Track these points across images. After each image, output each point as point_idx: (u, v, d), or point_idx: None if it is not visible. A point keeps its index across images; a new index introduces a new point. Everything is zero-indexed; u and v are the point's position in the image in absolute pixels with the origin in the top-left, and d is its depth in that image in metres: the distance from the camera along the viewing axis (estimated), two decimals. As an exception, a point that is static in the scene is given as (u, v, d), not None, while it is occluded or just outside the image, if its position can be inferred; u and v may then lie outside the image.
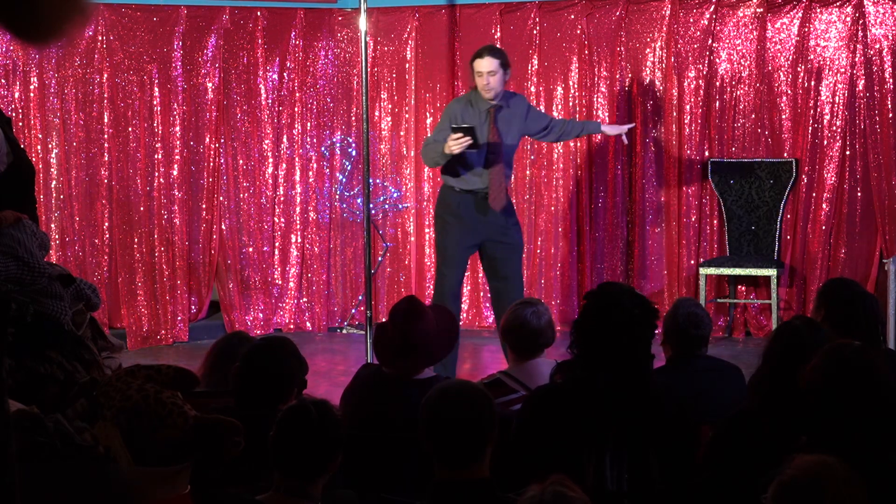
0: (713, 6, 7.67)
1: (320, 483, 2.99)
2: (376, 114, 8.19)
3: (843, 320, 4.00)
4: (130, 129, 7.79)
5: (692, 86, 7.75)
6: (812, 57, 7.53)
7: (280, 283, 8.21)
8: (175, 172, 7.88)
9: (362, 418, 3.94)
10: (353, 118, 8.21)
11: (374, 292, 7.50)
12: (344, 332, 8.25)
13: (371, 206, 7.28)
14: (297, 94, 8.16)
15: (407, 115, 8.20)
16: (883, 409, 2.89)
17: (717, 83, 7.71)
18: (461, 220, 6.22)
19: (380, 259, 8.21)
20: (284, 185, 8.19)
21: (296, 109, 8.18)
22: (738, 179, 7.65)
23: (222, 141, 8.00)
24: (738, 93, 7.68)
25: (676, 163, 7.82)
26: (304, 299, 8.27)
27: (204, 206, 7.99)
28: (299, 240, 8.24)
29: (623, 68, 7.84)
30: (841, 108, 7.48)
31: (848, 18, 7.44)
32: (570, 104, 7.92)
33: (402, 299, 4.20)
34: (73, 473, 2.94)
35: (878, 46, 7.40)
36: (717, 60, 7.70)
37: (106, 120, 7.72)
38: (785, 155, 7.63)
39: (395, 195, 8.27)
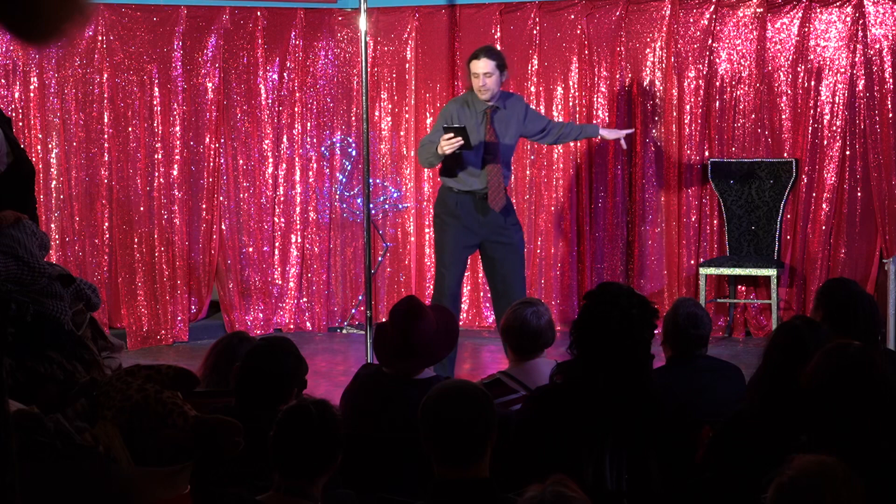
0: (713, 6, 7.67)
1: (320, 483, 2.99)
2: (376, 114, 8.19)
3: (841, 320, 4.00)
4: (130, 129, 7.79)
5: (692, 86, 7.75)
6: (812, 57, 7.53)
7: (280, 283, 8.21)
8: (175, 172, 7.88)
9: (362, 418, 3.94)
10: (353, 118, 8.21)
11: (374, 292, 7.50)
12: (344, 332, 8.25)
13: (371, 206, 7.27)
14: (297, 94, 8.16)
15: (407, 115, 8.20)
16: (883, 409, 2.89)
17: (717, 83, 7.71)
18: (459, 221, 6.22)
19: (380, 259, 8.21)
20: (284, 185, 8.19)
21: (296, 109, 8.18)
22: (738, 179, 7.65)
23: (222, 141, 8.00)
24: (738, 93, 7.68)
25: (676, 163, 7.82)
26: (304, 299, 8.27)
27: (204, 206, 7.99)
28: (299, 240, 8.24)
29: (623, 68, 7.84)
30: (841, 108, 7.48)
31: (848, 18, 7.44)
32: (570, 104, 7.92)
33: (402, 299, 4.20)
34: (73, 473, 2.94)
35: (878, 46, 7.40)
36: (717, 60, 7.70)
37: (106, 120, 7.72)
38: (785, 155, 7.63)
39: (395, 195, 8.27)
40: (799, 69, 7.55)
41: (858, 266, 7.54)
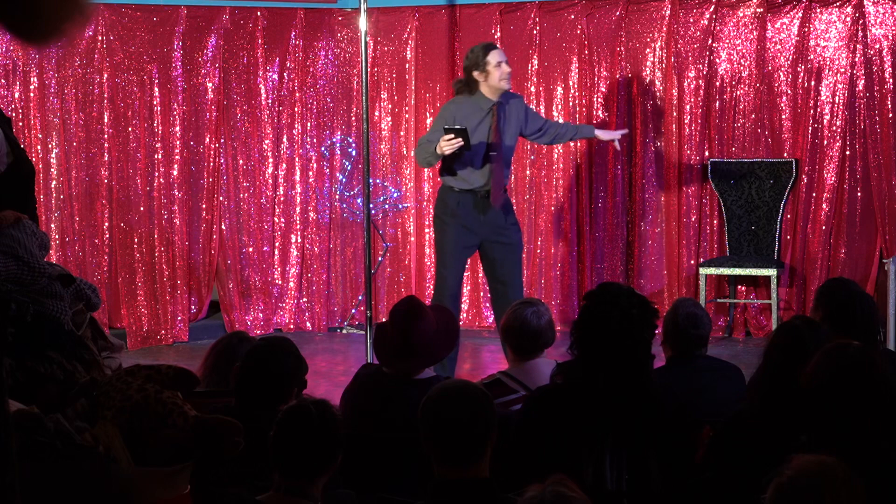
0: (713, 6, 7.67)
1: (320, 483, 2.99)
2: (376, 114, 8.19)
3: (840, 320, 4.00)
4: (130, 129, 7.79)
5: (692, 86, 7.75)
6: (812, 57, 7.53)
7: (280, 283, 8.21)
8: (175, 172, 7.88)
9: (362, 418, 3.94)
10: (353, 118, 8.22)
11: (374, 292, 7.50)
12: (344, 332, 8.25)
13: (371, 206, 7.27)
14: (297, 94, 8.16)
15: (407, 115, 8.20)
16: (883, 409, 2.89)
17: (717, 83, 7.71)
18: (459, 220, 6.21)
19: (380, 259, 8.21)
20: (284, 185, 8.19)
21: (296, 109, 8.18)
22: (738, 179, 7.65)
23: (222, 141, 8.00)
24: (738, 93, 7.68)
25: (676, 163, 7.82)
26: (304, 299, 8.27)
27: (204, 206, 7.99)
28: (299, 240, 8.24)
29: (623, 68, 7.84)
30: (841, 108, 7.48)
31: (848, 18, 7.44)
32: (570, 104, 7.92)
33: (402, 299, 4.20)
34: (73, 473, 2.94)
35: (878, 46, 7.40)
36: (717, 60, 7.70)
37: (106, 120, 7.72)
38: (785, 155, 7.64)
39: (395, 195, 8.27)
40: (799, 69, 7.55)
41: (858, 266, 7.54)
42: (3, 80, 7.52)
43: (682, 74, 7.75)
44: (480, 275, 7.98)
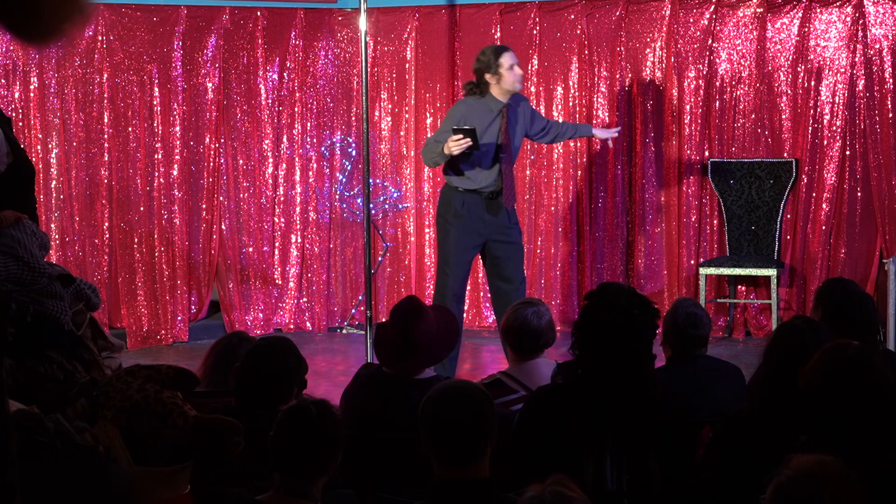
0: (713, 6, 7.67)
1: (320, 483, 2.99)
2: (376, 114, 8.19)
3: (840, 320, 4.00)
4: (130, 129, 7.79)
5: (692, 86, 7.75)
6: (812, 57, 7.53)
7: (280, 283, 8.21)
8: (175, 172, 7.88)
9: (362, 418, 3.94)
10: (353, 118, 8.21)
11: (374, 292, 7.50)
12: (344, 332, 8.25)
13: (371, 206, 7.28)
14: (297, 94, 8.16)
15: (407, 115, 8.20)
16: (882, 409, 2.89)
17: (717, 83, 7.71)
18: (463, 220, 6.20)
19: (380, 259, 8.21)
20: (284, 185, 8.19)
21: (296, 109, 8.18)
22: (738, 179, 7.65)
23: (222, 141, 8.00)
24: (738, 93, 7.68)
25: (676, 163, 7.82)
26: (304, 299, 8.27)
27: (204, 206, 7.99)
28: (299, 240, 8.24)
29: (623, 68, 7.84)
30: (841, 108, 7.48)
31: (848, 18, 7.44)
32: (570, 104, 7.92)
33: (402, 299, 4.20)
34: (73, 473, 2.94)
35: (878, 46, 7.40)
36: (717, 60, 7.70)
37: (106, 120, 7.72)
38: (785, 155, 7.63)
39: (395, 195, 8.27)
40: (799, 69, 7.55)
41: (858, 266, 7.54)
42: (3, 80, 7.52)
43: (682, 74, 7.75)
44: (480, 275, 7.98)
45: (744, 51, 7.64)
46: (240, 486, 3.22)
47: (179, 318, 7.91)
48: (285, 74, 8.12)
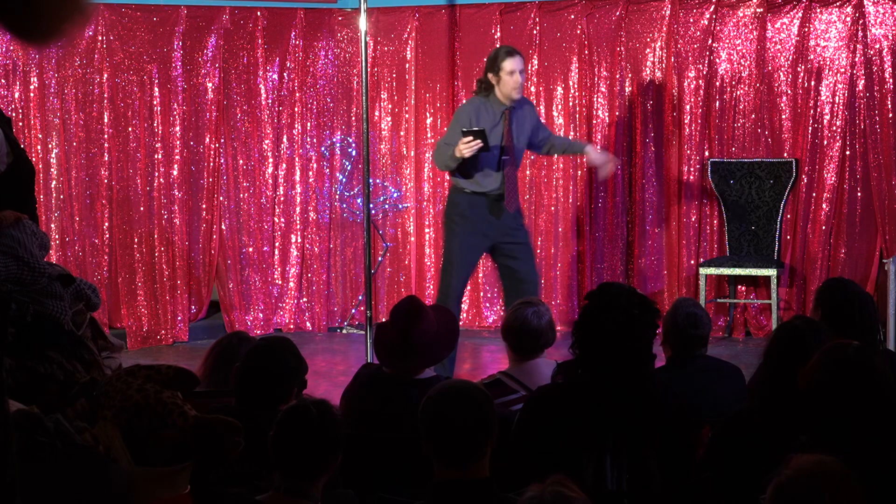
0: (713, 6, 7.67)
1: (320, 483, 2.99)
2: (376, 114, 8.19)
3: (840, 320, 4.00)
4: (130, 129, 7.79)
5: (692, 86, 7.75)
6: (812, 57, 7.53)
7: (280, 283, 8.21)
8: (175, 172, 7.88)
9: (362, 418, 3.94)
10: (353, 118, 8.21)
11: (374, 292, 7.50)
12: (344, 332, 8.25)
13: (371, 206, 7.28)
14: (297, 94, 8.16)
15: (407, 115, 8.20)
16: (882, 409, 2.89)
17: (717, 83, 7.71)
18: (469, 221, 6.19)
19: (380, 259, 8.21)
20: (284, 185, 8.19)
21: (296, 109, 8.18)
22: (738, 179, 7.65)
23: (222, 141, 8.00)
24: (738, 93, 7.67)
25: (676, 163, 7.82)
26: (304, 299, 8.27)
27: (204, 206, 7.99)
28: (299, 240, 8.24)
29: (623, 68, 7.84)
30: (841, 108, 7.48)
31: (848, 18, 7.44)
32: (570, 104, 7.92)
33: (402, 299, 4.20)
34: (73, 473, 2.94)
35: (878, 46, 7.40)
36: (717, 60, 7.70)
37: (106, 120, 7.72)
38: (785, 155, 7.63)
39: (395, 195, 8.27)
40: (799, 69, 7.55)
41: (858, 266, 7.54)
42: (3, 80, 7.52)
43: (682, 74, 7.75)
44: (481, 275, 7.99)
45: (744, 51, 7.64)
46: (240, 486, 3.22)
47: (179, 318, 7.91)
48: (285, 74, 8.12)
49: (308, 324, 8.26)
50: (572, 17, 7.90)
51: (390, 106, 8.23)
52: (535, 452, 3.24)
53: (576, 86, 7.91)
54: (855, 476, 2.43)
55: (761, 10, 7.58)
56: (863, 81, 7.43)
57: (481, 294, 8.06)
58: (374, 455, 3.75)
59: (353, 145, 8.24)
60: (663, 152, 7.83)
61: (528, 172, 8.01)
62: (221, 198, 8.03)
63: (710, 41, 7.69)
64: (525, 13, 7.98)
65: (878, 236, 7.50)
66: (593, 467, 3.20)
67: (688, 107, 7.77)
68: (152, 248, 7.85)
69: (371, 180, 7.35)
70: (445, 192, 8.13)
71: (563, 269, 8.00)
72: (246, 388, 3.57)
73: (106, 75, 7.68)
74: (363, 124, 6.93)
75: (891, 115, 7.38)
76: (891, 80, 7.37)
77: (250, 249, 8.13)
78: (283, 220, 8.20)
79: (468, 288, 8.06)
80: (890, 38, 7.37)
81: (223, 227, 8.06)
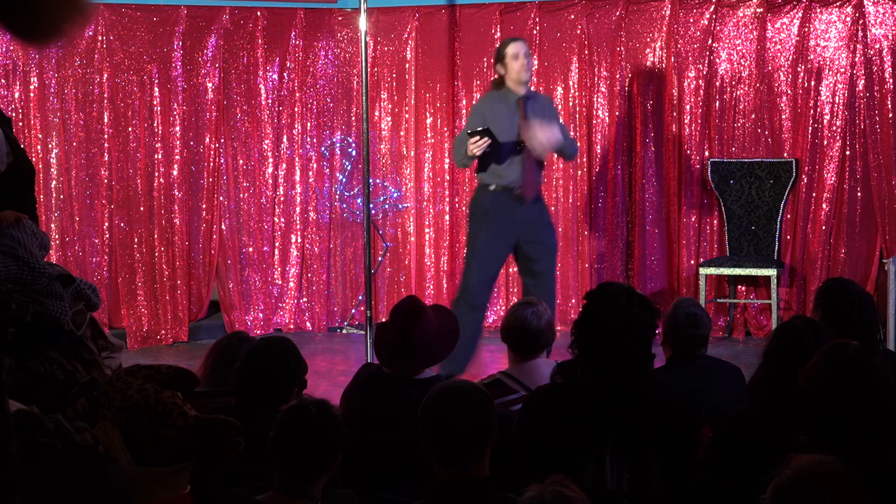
0: (713, 6, 7.67)
1: (320, 483, 2.99)
2: (376, 114, 8.19)
3: (840, 320, 4.00)
4: (130, 129, 7.79)
5: (692, 86, 7.75)
6: (812, 57, 7.52)
7: (280, 283, 8.21)
8: (175, 172, 7.88)
9: (362, 418, 3.94)
10: (353, 118, 8.21)
11: (374, 292, 7.50)
12: (344, 332, 8.25)
13: (371, 206, 7.28)
14: (297, 94, 8.16)
15: (407, 115, 8.20)
16: (882, 409, 2.89)
17: (717, 83, 7.71)
18: (493, 221, 6.23)
19: (380, 259, 8.21)
20: (284, 185, 8.19)
21: (296, 109, 8.18)
22: (738, 179, 7.65)
23: (222, 141, 8.00)
24: (738, 93, 7.67)
25: (676, 163, 7.82)
26: (304, 299, 8.27)
27: (204, 206, 7.99)
28: (299, 240, 8.24)
29: (623, 68, 7.84)
30: (841, 108, 7.48)
31: (848, 18, 7.44)
32: (570, 104, 7.92)
33: (402, 299, 4.20)
34: (73, 473, 2.94)
35: (878, 46, 7.40)
36: (717, 60, 7.70)
37: (106, 120, 7.72)
38: (785, 155, 7.63)
39: (395, 195, 8.27)
40: (799, 69, 7.55)
41: (858, 266, 7.54)
42: (3, 80, 7.52)
43: (682, 74, 7.75)
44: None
45: (744, 51, 7.64)
46: (240, 486, 3.22)
47: (179, 318, 7.91)
48: (285, 74, 8.12)
49: (308, 324, 8.26)
50: (572, 17, 7.90)
51: (390, 106, 8.23)
52: (535, 452, 3.24)
53: (576, 86, 7.91)
54: (855, 476, 2.43)
55: (761, 10, 7.58)
56: (863, 81, 7.43)
57: (481, 294, 8.05)
58: (374, 455, 3.75)
59: (353, 145, 8.24)
60: (663, 152, 7.83)
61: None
62: (221, 198, 8.03)
63: (710, 41, 7.69)
64: (525, 13, 7.98)
65: (878, 236, 7.50)
66: (593, 467, 3.20)
67: (688, 107, 7.77)
68: (152, 248, 7.85)
69: (371, 180, 7.35)
70: (445, 192, 8.18)
71: (563, 269, 7.99)
72: (246, 388, 3.57)
73: (106, 75, 7.68)
74: (363, 124, 6.93)
75: (891, 115, 7.38)
76: (891, 80, 7.37)
77: (250, 249, 8.13)
78: (283, 220, 8.20)
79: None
80: (890, 38, 7.37)
81: (223, 227, 8.06)
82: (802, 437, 2.90)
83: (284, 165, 8.18)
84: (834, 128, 7.51)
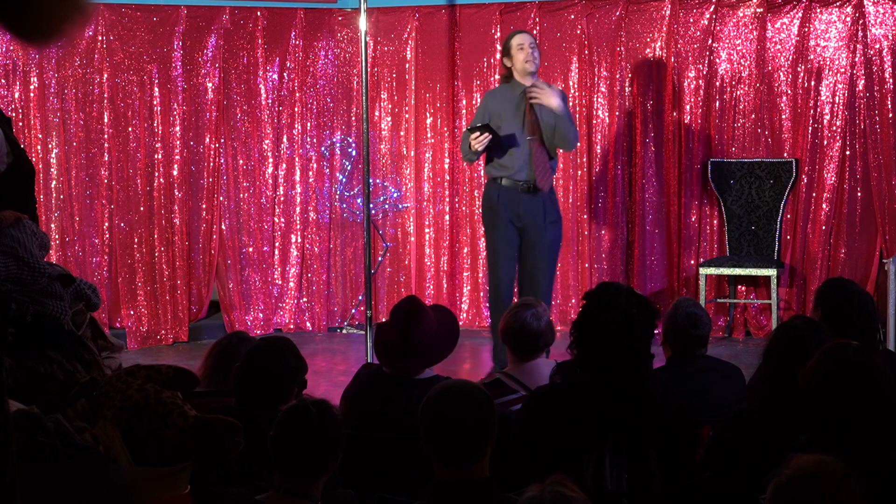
0: (713, 6, 7.67)
1: (320, 483, 2.99)
2: (376, 114, 8.19)
3: (840, 320, 4.00)
4: (130, 129, 7.79)
5: (692, 86, 7.75)
6: (812, 57, 7.52)
7: (280, 283, 8.21)
8: (175, 172, 7.88)
9: (362, 418, 3.94)
10: (353, 118, 8.21)
11: (374, 292, 7.50)
12: (344, 332, 8.25)
13: (371, 206, 7.28)
14: (297, 94, 8.16)
15: (407, 115, 8.20)
16: (882, 409, 2.89)
17: (717, 83, 7.71)
18: (498, 215, 6.34)
19: (380, 259, 8.21)
20: (284, 185, 8.18)
21: (296, 109, 8.18)
22: (738, 179, 7.65)
23: (222, 141, 8.00)
24: (738, 93, 7.68)
25: (676, 163, 7.82)
26: (304, 299, 8.27)
27: (204, 206, 7.99)
28: (299, 240, 8.24)
29: (623, 68, 7.84)
30: (841, 108, 7.48)
31: (848, 18, 7.44)
32: (570, 104, 7.90)
33: (402, 299, 4.20)
34: (73, 473, 2.94)
35: (878, 46, 7.40)
36: (717, 60, 7.70)
37: (106, 120, 7.72)
38: (785, 155, 7.63)
39: (395, 195, 8.27)
40: (799, 69, 7.55)
41: (858, 266, 7.54)
42: (3, 80, 7.52)
43: (682, 74, 7.75)
44: (481, 275, 7.99)
45: (744, 51, 7.64)
46: (240, 486, 3.22)
47: (179, 317, 7.91)
48: (285, 74, 8.12)
49: (308, 324, 8.26)
50: (572, 17, 7.91)
51: (390, 106, 8.23)
52: (535, 452, 3.24)
53: (576, 86, 7.91)
54: (855, 476, 2.43)
55: (761, 10, 7.58)
56: (863, 81, 7.43)
57: (481, 294, 8.06)
58: (374, 455, 3.75)
59: (353, 145, 8.24)
60: (663, 152, 7.83)
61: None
62: (221, 198, 8.03)
63: (710, 41, 7.69)
64: (525, 13, 7.98)
65: (878, 236, 7.50)
66: (593, 467, 3.20)
67: (688, 107, 7.77)
68: (152, 248, 7.85)
69: (371, 180, 7.35)
70: (445, 192, 8.18)
71: (562, 269, 7.99)
72: (246, 388, 3.57)
73: (106, 75, 7.68)
74: (363, 124, 6.93)
75: (891, 115, 7.38)
76: (891, 80, 7.37)
77: (250, 249, 8.13)
78: (283, 220, 8.20)
79: (468, 287, 8.10)
80: (890, 38, 7.37)
81: (223, 227, 8.06)
82: (802, 437, 2.90)
83: (284, 165, 8.18)
84: (834, 128, 7.51)
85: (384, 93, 8.22)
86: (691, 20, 7.72)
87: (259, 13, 8.01)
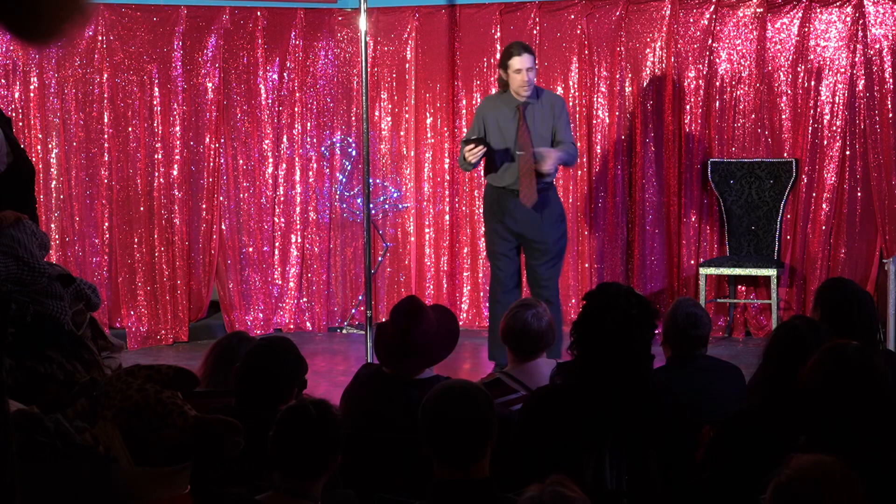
0: (713, 6, 7.67)
1: (320, 483, 2.99)
2: (376, 114, 8.19)
3: (840, 320, 4.00)
4: (130, 129, 7.79)
5: (692, 86, 7.75)
6: (812, 57, 7.52)
7: (280, 283, 8.21)
8: (175, 172, 7.88)
9: (362, 418, 3.94)
10: (353, 118, 8.21)
11: (374, 292, 7.51)
12: (344, 332, 8.25)
13: (371, 206, 7.28)
14: (297, 94, 8.16)
15: (407, 115, 8.20)
16: (882, 409, 2.88)
17: (717, 83, 7.71)
18: (496, 218, 6.42)
19: (380, 259, 8.21)
20: (284, 185, 8.19)
21: (296, 109, 8.18)
22: (738, 179, 7.65)
23: (222, 141, 8.00)
24: (738, 93, 7.67)
25: (676, 163, 7.82)
26: (304, 299, 8.27)
27: (204, 206, 7.99)
28: (299, 240, 8.24)
29: (623, 68, 7.83)
30: (841, 108, 7.48)
31: (848, 18, 7.44)
32: (570, 104, 7.91)
33: (403, 299, 4.20)
34: (73, 473, 2.94)
35: (878, 46, 7.40)
36: (717, 60, 7.70)
37: (106, 120, 7.72)
38: (785, 155, 7.63)
39: (395, 195, 8.27)
40: (799, 69, 7.55)
41: (858, 266, 7.54)
42: (3, 80, 7.52)
43: (682, 74, 7.75)
44: (481, 275, 7.99)
45: (744, 51, 7.64)
46: (240, 486, 3.21)
47: (179, 318, 7.91)
48: (285, 74, 8.12)
49: (308, 324, 8.26)
50: (572, 17, 7.90)
51: (390, 106, 8.23)
52: (535, 452, 3.24)
53: (576, 86, 7.91)
54: (855, 476, 2.43)
55: (761, 10, 7.58)
56: (863, 81, 7.43)
57: (481, 294, 8.06)
58: (374, 455, 3.74)
59: (353, 145, 8.24)
60: (663, 152, 7.83)
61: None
62: (221, 198, 8.03)
63: (710, 41, 7.69)
64: (525, 13, 7.98)
65: (878, 236, 7.50)
66: (593, 467, 3.20)
67: (688, 107, 7.77)
68: (152, 248, 7.85)
69: (371, 180, 7.35)
70: (445, 192, 8.18)
71: (562, 269, 7.98)
72: (246, 388, 3.57)
73: (106, 75, 7.68)
74: (363, 124, 6.93)
75: (891, 115, 7.38)
76: (891, 80, 7.37)
77: (250, 249, 8.13)
78: (283, 220, 8.20)
79: (468, 287, 8.11)
80: (890, 38, 7.37)
81: (223, 227, 8.06)
82: (802, 437, 2.90)
83: (284, 165, 8.18)
84: (834, 128, 7.51)
85: (384, 93, 8.22)
86: (691, 20, 7.72)
87: (259, 13, 8.01)
